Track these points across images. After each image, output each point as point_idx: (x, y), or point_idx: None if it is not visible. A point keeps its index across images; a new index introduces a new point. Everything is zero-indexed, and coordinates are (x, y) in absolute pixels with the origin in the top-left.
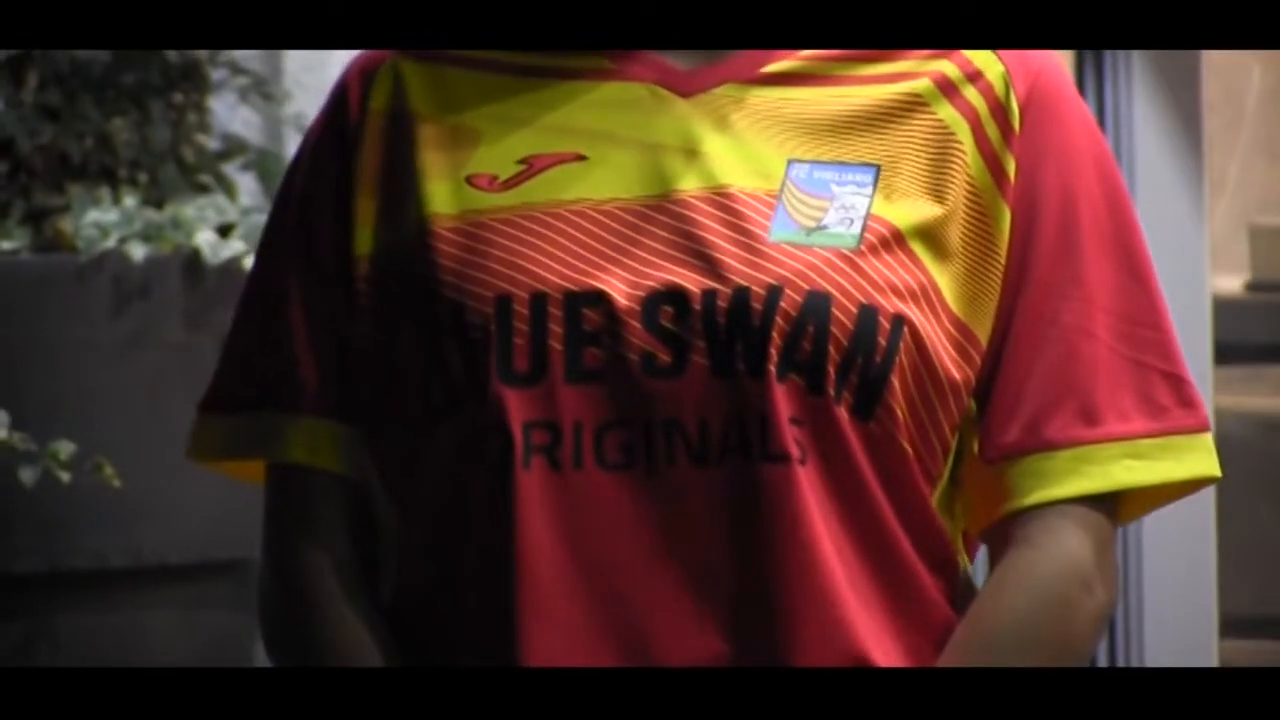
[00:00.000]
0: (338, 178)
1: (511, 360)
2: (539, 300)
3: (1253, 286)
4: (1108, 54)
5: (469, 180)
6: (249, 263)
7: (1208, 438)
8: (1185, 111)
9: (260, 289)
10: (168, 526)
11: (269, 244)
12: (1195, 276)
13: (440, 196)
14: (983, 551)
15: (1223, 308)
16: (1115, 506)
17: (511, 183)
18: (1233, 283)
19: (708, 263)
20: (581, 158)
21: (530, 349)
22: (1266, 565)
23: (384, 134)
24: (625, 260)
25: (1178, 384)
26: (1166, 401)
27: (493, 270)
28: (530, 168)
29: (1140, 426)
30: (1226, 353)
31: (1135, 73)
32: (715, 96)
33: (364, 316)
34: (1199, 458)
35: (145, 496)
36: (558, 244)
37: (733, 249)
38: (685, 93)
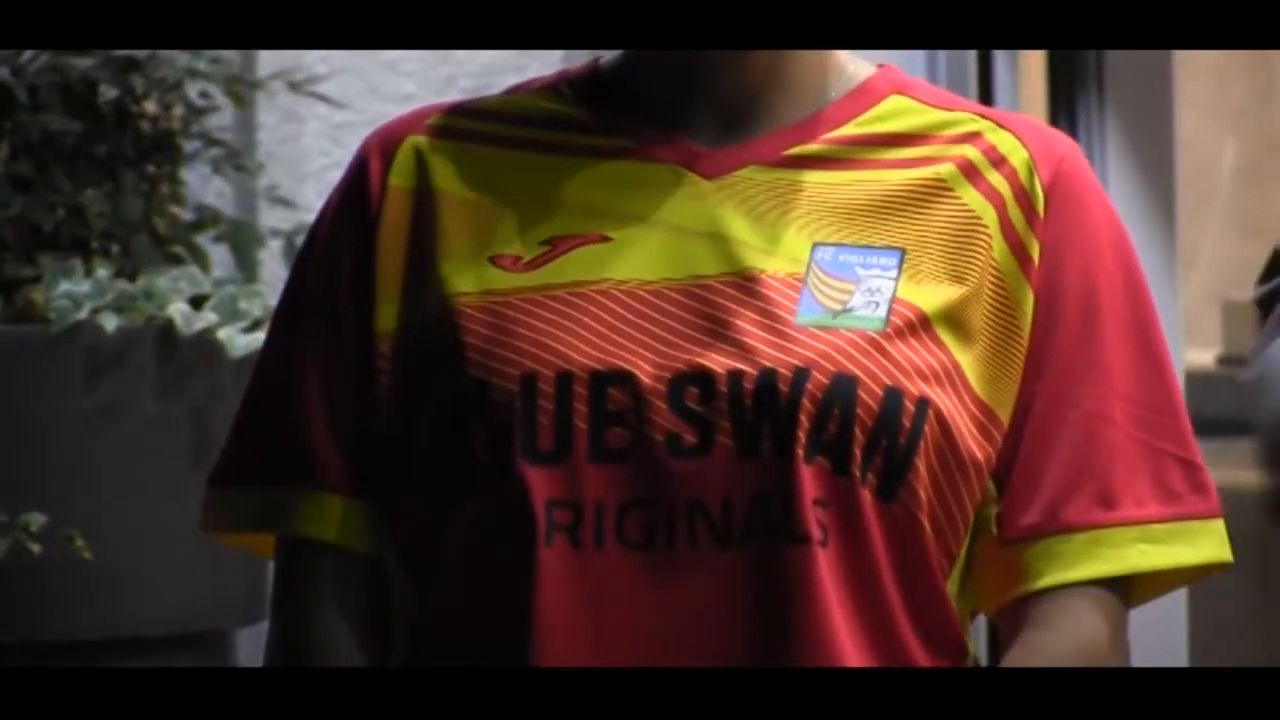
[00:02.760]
0: (358, 253)
1: (536, 439)
2: (564, 379)
3: (1225, 360)
4: (1082, 125)
5: (493, 260)
6: (222, 334)
7: (1220, 523)
8: (1158, 185)
9: (277, 362)
10: (140, 599)
11: (286, 316)
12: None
13: (464, 276)
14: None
15: (1195, 381)
16: (1129, 589)
17: (536, 263)
18: (1205, 357)
19: (734, 345)
20: (606, 239)
21: (555, 428)
22: (1237, 639)
23: (406, 211)
24: (650, 341)
25: (1192, 470)
26: (1180, 487)
27: (518, 349)
28: (554, 249)
29: (1155, 511)
30: (1199, 427)
31: (1110, 147)
32: (739, 179)
33: (384, 393)
34: (1211, 542)
35: (117, 568)
36: (583, 324)
37: (759, 332)
38: (709, 175)
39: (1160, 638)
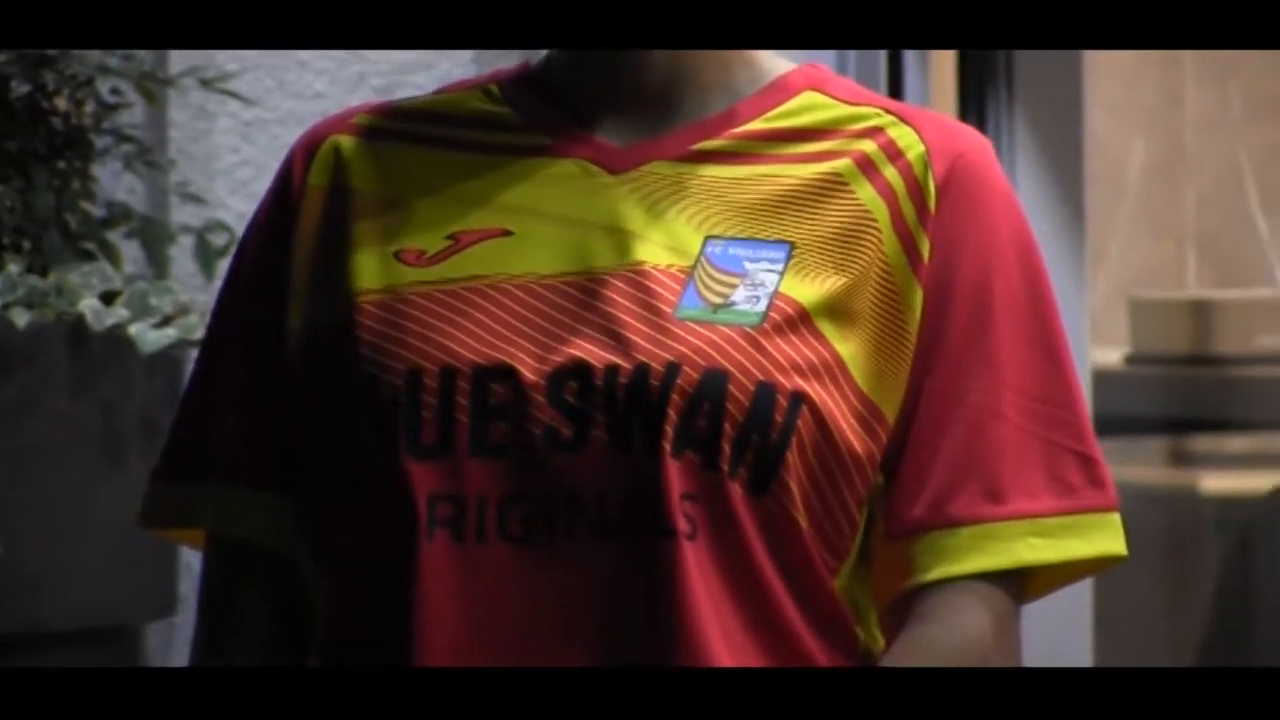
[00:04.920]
0: (277, 252)
1: (419, 434)
2: (448, 374)
3: (1132, 359)
4: (991, 124)
5: (398, 255)
6: (133, 330)
7: (1116, 517)
8: (1067, 184)
9: (202, 361)
10: (50, 594)
11: (214, 317)
12: (1076, 349)
13: (368, 271)
14: None
15: (1102, 380)
16: (1020, 584)
17: (437, 258)
18: (1112, 355)
19: (615, 339)
20: (508, 233)
21: (438, 422)
22: (1142, 636)
23: (322, 209)
24: (536, 335)
25: (1088, 463)
26: (1076, 481)
27: (407, 344)
28: (457, 243)
29: (1047, 505)
30: (1106, 425)
31: (1019, 146)
32: (643, 174)
33: (295, 389)
34: (1106, 536)
35: (28, 564)
36: (473, 319)
37: (639, 325)
38: (615, 170)
39: (1066, 633)
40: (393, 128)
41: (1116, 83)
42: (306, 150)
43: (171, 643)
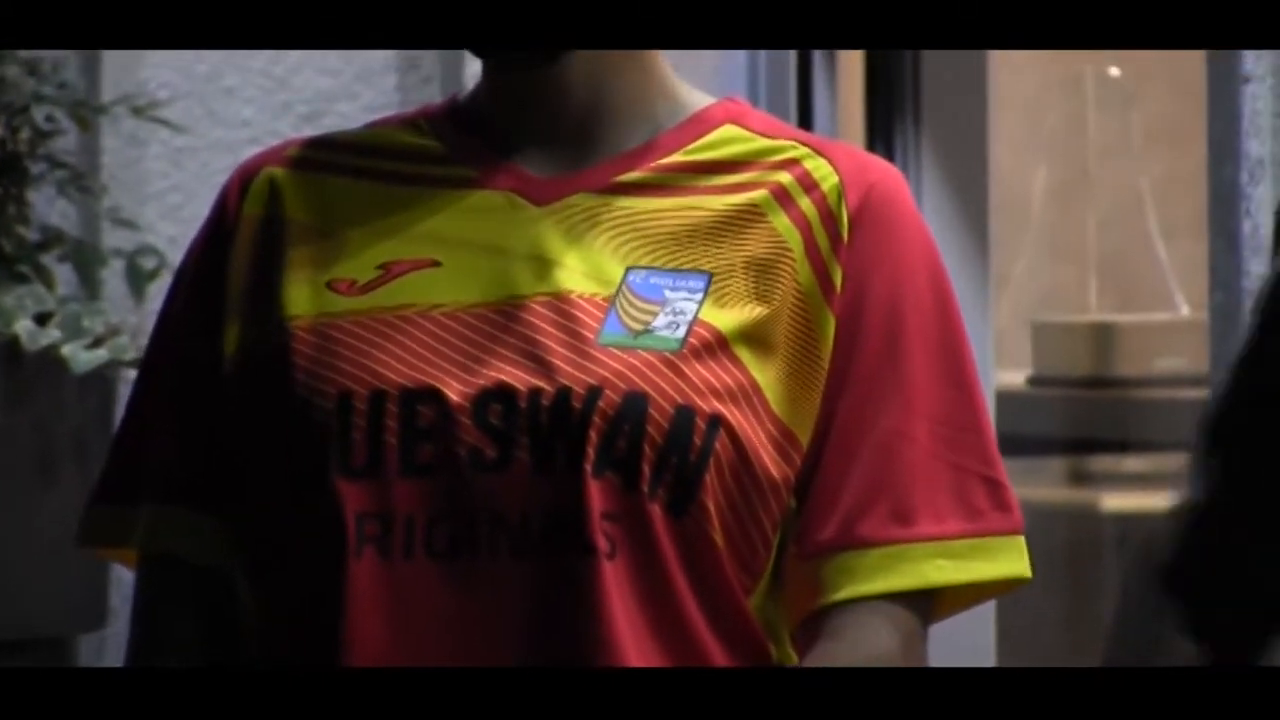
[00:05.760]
0: (213, 279)
1: (350, 454)
2: (378, 397)
3: (1034, 381)
4: (898, 154)
5: (329, 285)
6: (66, 350)
7: (1021, 540)
8: (972, 212)
9: (140, 386)
10: None
11: (152, 342)
12: (980, 371)
13: (301, 299)
14: None
15: (1005, 402)
16: (928, 604)
17: (368, 287)
18: (1015, 377)
19: (538, 363)
20: (436, 263)
21: (368, 444)
22: (1043, 650)
23: (256, 238)
24: (463, 360)
25: (994, 487)
26: (982, 504)
27: (339, 369)
28: (387, 273)
29: (954, 527)
30: (1009, 445)
31: (925, 174)
32: (567, 205)
33: (230, 412)
34: (1010, 558)
35: None
36: (402, 345)
37: (562, 350)
38: (539, 201)
39: (969, 646)
40: (325, 160)
41: (1020, 111)
42: (242, 181)
43: (103, 654)
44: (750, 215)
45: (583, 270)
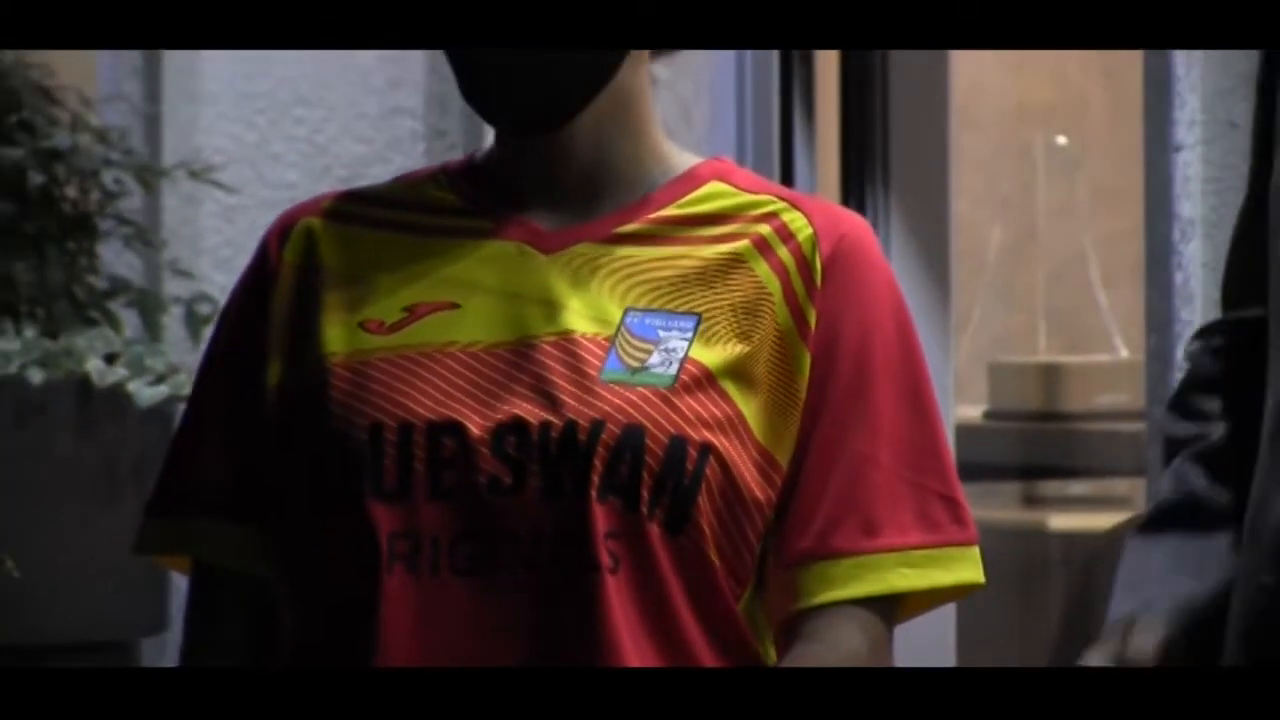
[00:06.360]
0: (256, 318)
1: (382, 479)
2: (406, 429)
3: (990, 415)
4: (869, 211)
5: (361, 325)
6: (131, 387)
7: (975, 551)
8: (935, 263)
9: (189, 414)
10: (59, 611)
11: (201, 373)
12: (942, 406)
13: (336, 338)
14: None
15: (964, 433)
16: (893, 608)
17: (396, 327)
18: (973, 412)
19: (547, 399)
20: (455, 306)
21: (397, 471)
22: (998, 656)
23: (295, 283)
24: (481, 395)
25: (952, 504)
26: (941, 519)
27: (371, 403)
28: (412, 314)
29: (916, 539)
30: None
31: (893, 229)
32: (572, 254)
33: (271, 438)
34: (966, 567)
35: (39, 585)
36: (428, 380)
37: (569, 387)
38: (546, 250)
39: (931, 652)
40: (356, 212)
41: (978, 174)
42: (282, 231)
43: (163, 656)
44: (734, 263)
45: (586, 313)
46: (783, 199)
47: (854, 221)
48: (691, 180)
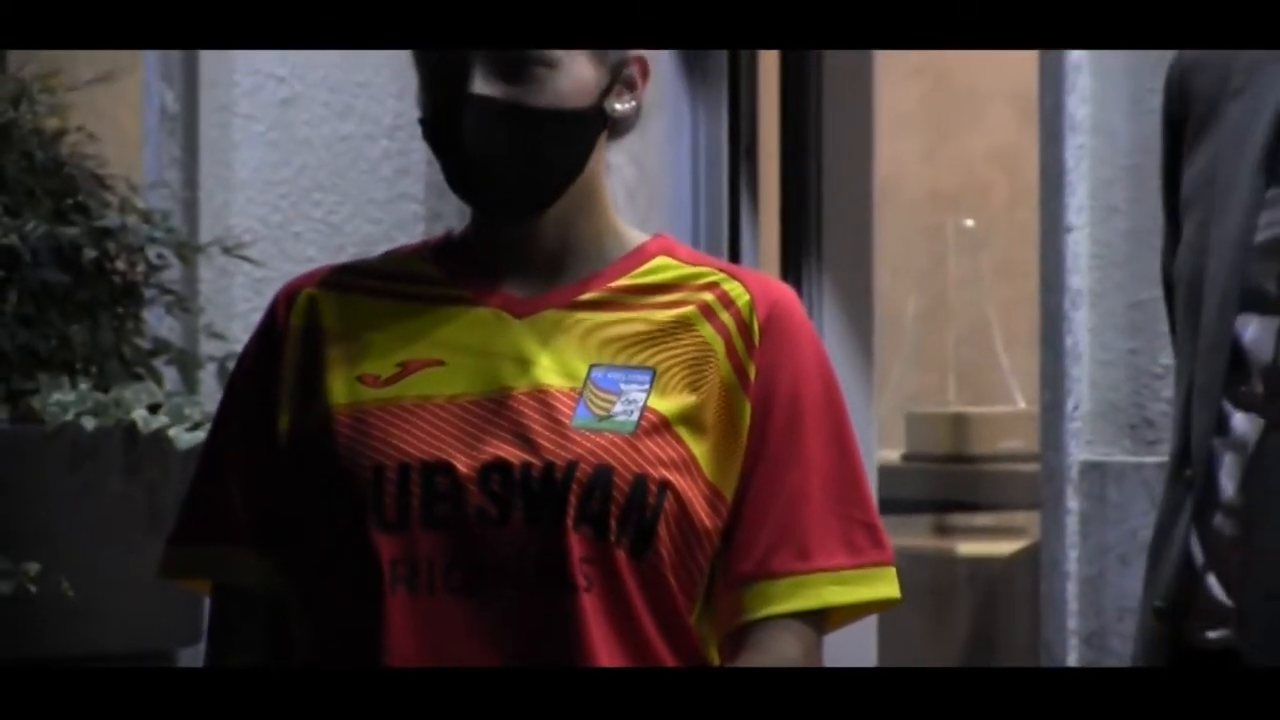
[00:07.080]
0: (267, 373)
1: (384, 512)
2: (404, 469)
3: (907, 458)
4: (804, 283)
5: (360, 378)
6: (171, 433)
7: (893, 570)
8: (859, 328)
9: (209, 454)
10: (108, 624)
11: (217, 420)
12: (865, 450)
13: (338, 390)
14: None
15: (885, 473)
16: (823, 620)
17: (390, 381)
18: (893, 455)
19: (526, 443)
20: (441, 363)
21: (397, 505)
22: (912, 659)
23: (301, 343)
24: (468, 440)
25: (872, 530)
26: (863, 543)
27: (372, 446)
28: (404, 370)
29: (843, 561)
30: (887, 506)
31: (825, 298)
32: (541, 318)
33: (284, 476)
34: (885, 584)
35: (92, 603)
36: (420, 427)
37: (545, 433)
38: (519, 315)
39: (857, 657)
40: (352, 282)
41: (898, 249)
42: (288, 297)
43: (198, 663)
44: (682, 326)
45: (556, 369)
46: (721, 270)
47: (783, 290)
48: (641, 255)
